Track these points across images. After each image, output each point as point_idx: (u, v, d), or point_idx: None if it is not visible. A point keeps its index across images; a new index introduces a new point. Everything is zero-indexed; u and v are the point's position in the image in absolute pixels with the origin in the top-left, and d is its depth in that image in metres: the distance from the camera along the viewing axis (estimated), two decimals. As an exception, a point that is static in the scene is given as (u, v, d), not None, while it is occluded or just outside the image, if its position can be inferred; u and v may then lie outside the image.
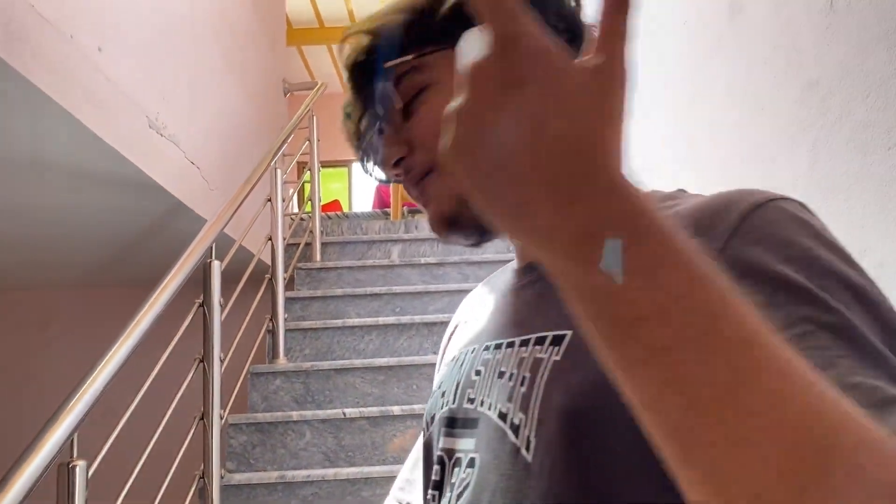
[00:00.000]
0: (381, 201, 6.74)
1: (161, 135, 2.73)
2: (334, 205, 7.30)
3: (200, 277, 2.46)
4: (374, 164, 0.67)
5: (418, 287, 3.71)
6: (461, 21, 0.52)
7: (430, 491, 0.64)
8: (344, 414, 2.83)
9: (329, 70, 8.47)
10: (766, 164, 1.46)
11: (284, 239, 3.49)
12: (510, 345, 0.59)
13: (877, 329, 0.42)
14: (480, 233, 0.63)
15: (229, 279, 2.63)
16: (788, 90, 1.37)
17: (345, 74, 0.66)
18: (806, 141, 1.30)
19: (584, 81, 0.34)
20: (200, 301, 2.46)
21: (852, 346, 0.41)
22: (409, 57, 0.61)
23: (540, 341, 0.55)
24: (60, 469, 1.58)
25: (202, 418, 2.40)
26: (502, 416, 0.55)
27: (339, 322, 3.43)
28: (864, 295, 0.44)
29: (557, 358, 0.53)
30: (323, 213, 4.84)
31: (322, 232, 4.40)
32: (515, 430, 0.54)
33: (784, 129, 1.39)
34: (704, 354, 0.32)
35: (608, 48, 0.34)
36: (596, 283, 0.33)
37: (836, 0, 1.20)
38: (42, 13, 1.93)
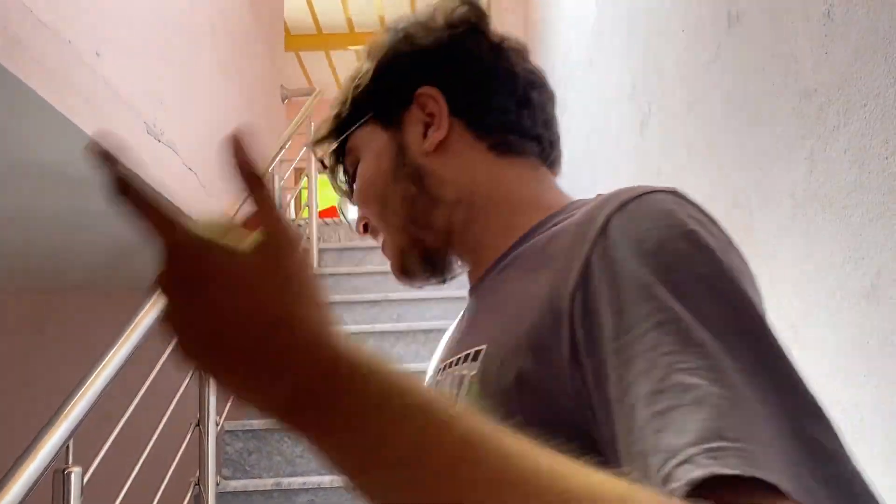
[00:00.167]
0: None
1: (159, 140, 2.73)
2: (332, 211, 7.30)
3: (197, 283, 2.45)
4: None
5: (415, 294, 3.70)
6: (369, 101, 0.68)
7: None
8: (340, 420, 2.82)
9: (327, 77, 8.48)
10: (764, 173, 1.47)
11: (282, 245, 3.47)
12: (449, 364, 0.62)
13: (723, 316, 0.43)
14: (433, 276, 0.69)
15: (226, 285, 2.61)
16: (786, 99, 1.37)
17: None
18: (803, 149, 1.30)
19: (253, 263, 0.38)
20: (197, 307, 2.45)
21: (678, 343, 0.42)
22: (335, 144, 0.72)
23: (465, 358, 0.58)
24: (56, 475, 1.57)
25: (198, 424, 2.39)
26: None
27: (336, 328, 3.41)
28: (712, 284, 0.45)
29: (474, 372, 0.56)
30: (320, 220, 4.84)
31: (319, 238, 4.39)
32: None
33: (781, 137, 1.39)
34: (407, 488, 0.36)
35: (266, 222, 0.39)
36: (309, 440, 0.38)
37: (834, 9, 1.20)
38: (40, 18, 1.93)
